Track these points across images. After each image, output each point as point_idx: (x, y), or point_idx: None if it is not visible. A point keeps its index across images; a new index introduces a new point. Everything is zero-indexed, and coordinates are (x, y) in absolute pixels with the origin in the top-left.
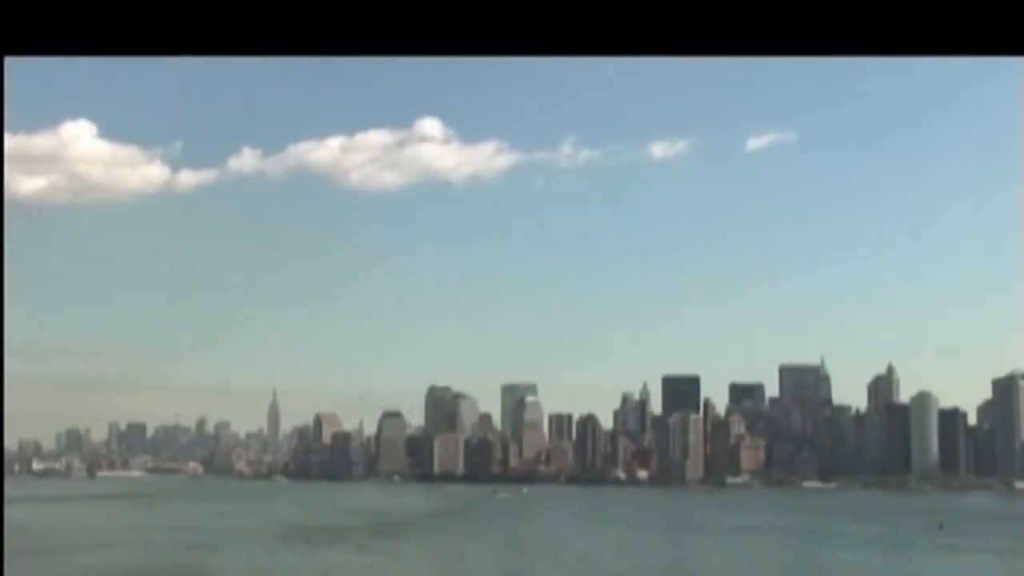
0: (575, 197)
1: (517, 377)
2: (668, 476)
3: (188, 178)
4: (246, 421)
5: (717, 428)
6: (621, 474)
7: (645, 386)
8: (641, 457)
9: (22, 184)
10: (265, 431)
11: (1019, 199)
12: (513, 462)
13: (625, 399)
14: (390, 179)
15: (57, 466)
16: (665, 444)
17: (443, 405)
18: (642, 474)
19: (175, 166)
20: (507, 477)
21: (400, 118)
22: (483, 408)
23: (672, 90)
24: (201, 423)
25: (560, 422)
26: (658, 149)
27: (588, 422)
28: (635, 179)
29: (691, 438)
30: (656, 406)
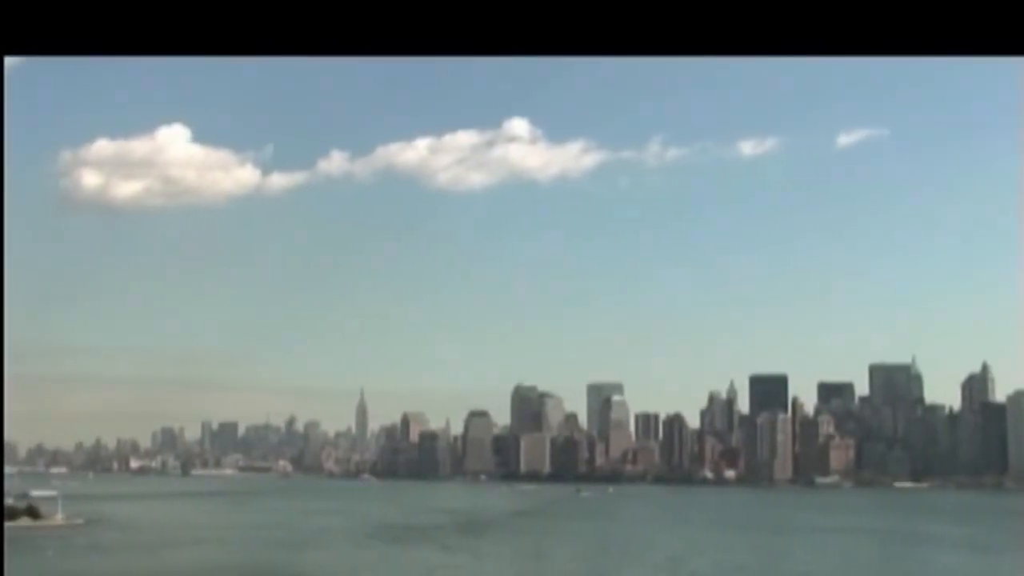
0: (662, 196)
1: (603, 376)
2: (756, 476)
3: (279, 181)
4: (335, 420)
5: (806, 428)
6: (708, 474)
7: (732, 385)
8: (728, 457)
9: (118, 188)
10: (353, 430)
11: None
12: (599, 461)
13: (712, 398)
14: (477, 179)
15: (153, 464)
16: (753, 444)
17: (529, 404)
18: (729, 474)
19: (266, 169)
20: (593, 476)
21: (488, 118)
22: (569, 407)
23: (762, 88)
24: (291, 422)
25: (647, 421)
26: (747, 147)
27: (675, 421)
28: (724, 177)
29: (779, 438)
30: (743, 405)
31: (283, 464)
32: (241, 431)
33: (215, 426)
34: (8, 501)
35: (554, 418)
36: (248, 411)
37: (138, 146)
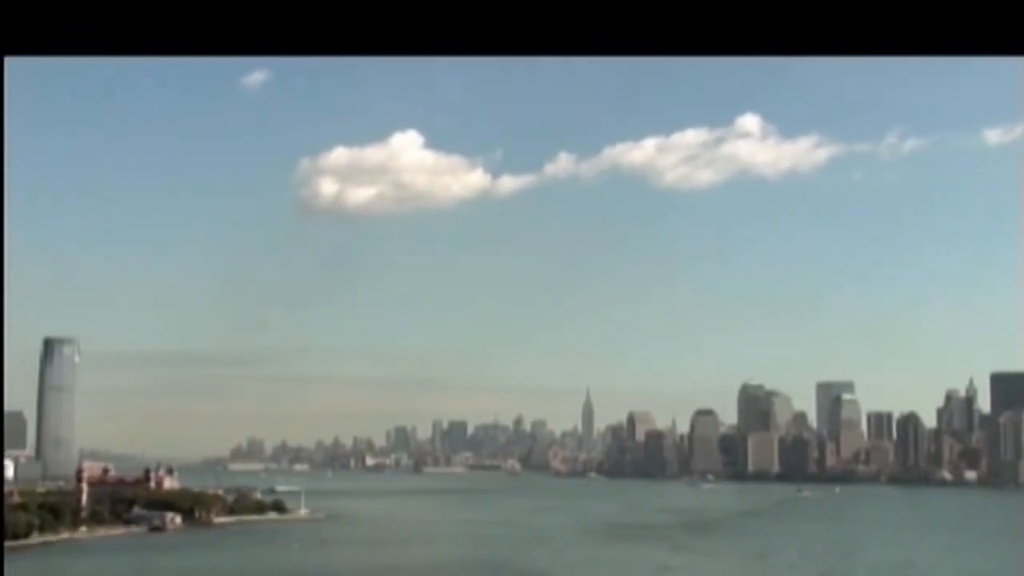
0: (897, 189)
1: (833, 375)
2: (999, 478)
3: (507, 184)
4: (561, 420)
5: None
6: (947, 475)
7: (971, 383)
8: (969, 458)
9: (353, 195)
10: (580, 429)
11: None
12: (830, 461)
13: (950, 397)
14: (705, 177)
15: (387, 462)
16: (995, 444)
17: (757, 403)
18: (970, 475)
19: (496, 173)
20: (823, 477)
21: (719, 116)
22: (797, 406)
23: (1011, 75)
24: (518, 422)
25: (879, 421)
26: (993, 136)
27: (910, 421)
28: (964, 168)
29: None
30: (984, 404)
31: (511, 463)
32: (470, 430)
33: (445, 425)
34: (256, 496)
35: (782, 417)
36: (477, 410)
37: (372, 153)
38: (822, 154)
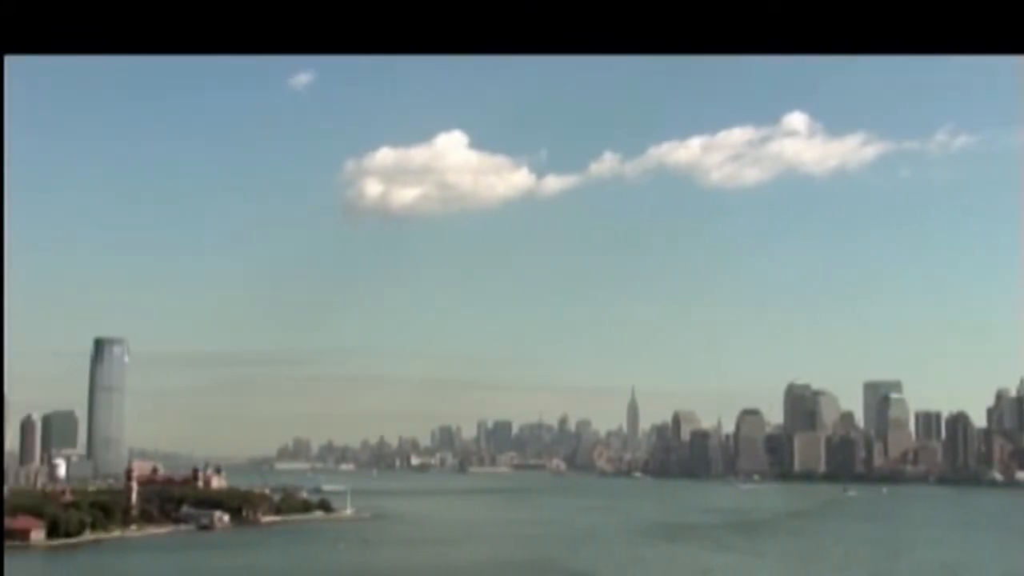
0: (946, 186)
1: (880, 374)
2: None
3: (552, 184)
4: (606, 419)
5: None
6: (998, 475)
7: (1023, 382)
8: (1020, 458)
9: (397, 196)
10: (624, 429)
11: None
12: (877, 461)
13: (1000, 396)
14: (751, 176)
15: (432, 461)
16: None
17: (803, 403)
18: (1021, 476)
19: (540, 173)
20: (871, 477)
21: (765, 114)
22: (844, 406)
23: None
24: (563, 421)
25: (927, 420)
26: None
27: (959, 420)
28: (1014, 166)
29: None
30: None
31: (556, 462)
32: (515, 430)
33: (490, 425)
34: (302, 495)
35: (829, 417)
36: (522, 410)
37: (417, 154)
38: (870, 152)
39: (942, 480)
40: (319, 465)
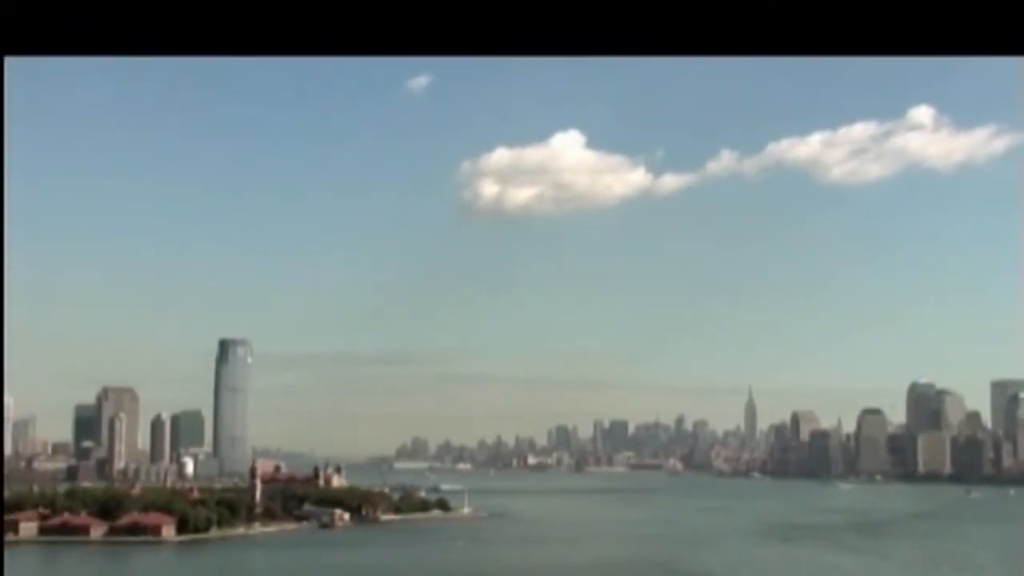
0: None
1: (1008, 373)
2: None
3: (669, 182)
4: (723, 419)
5: None
6: None
7: None
8: None
9: (512, 196)
10: (742, 429)
11: None
12: (1006, 463)
13: None
14: (873, 171)
15: (549, 461)
16: None
17: (926, 402)
18: None
19: (657, 172)
20: (999, 478)
21: (889, 109)
22: (970, 406)
23: None
24: (679, 421)
25: None
26: None
27: None
28: None
29: None
30: None
31: (673, 462)
32: (631, 430)
33: (607, 425)
34: (421, 494)
35: (954, 417)
36: (638, 410)
37: (533, 154)
38: (1000, 144)
39: None
40: (436, 464)
